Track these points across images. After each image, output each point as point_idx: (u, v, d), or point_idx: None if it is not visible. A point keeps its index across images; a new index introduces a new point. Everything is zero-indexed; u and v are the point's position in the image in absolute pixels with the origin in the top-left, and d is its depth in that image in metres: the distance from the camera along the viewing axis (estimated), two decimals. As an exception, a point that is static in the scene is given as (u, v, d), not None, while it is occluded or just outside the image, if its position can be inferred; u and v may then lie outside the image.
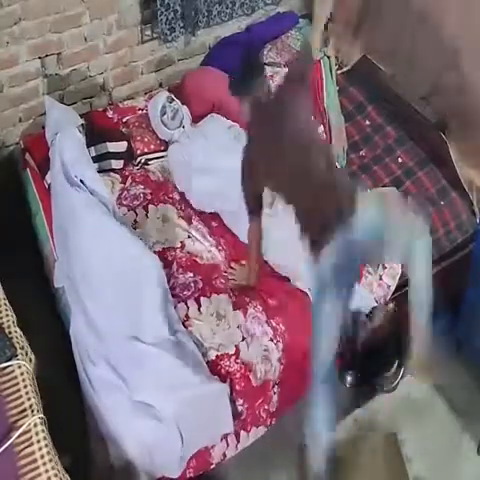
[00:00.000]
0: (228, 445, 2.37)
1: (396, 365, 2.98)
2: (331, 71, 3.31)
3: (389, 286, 2.69)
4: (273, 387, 2.45)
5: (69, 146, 2.70)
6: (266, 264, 2.65)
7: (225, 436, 2.34)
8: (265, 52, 3.50)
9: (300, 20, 3.70)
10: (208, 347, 2.38)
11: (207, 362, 2.33)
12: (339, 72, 3.36)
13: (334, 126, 3.17)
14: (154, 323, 2.33)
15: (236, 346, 2.40)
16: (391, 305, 2.50)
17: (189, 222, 2.81)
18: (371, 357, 2.96)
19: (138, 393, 2.19)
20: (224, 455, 2.38)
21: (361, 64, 3.26)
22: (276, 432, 2.61)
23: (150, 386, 2.20)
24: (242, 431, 2.39)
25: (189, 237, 2.74)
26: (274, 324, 2.48)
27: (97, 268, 2.43)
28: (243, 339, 2.42)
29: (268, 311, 2.51)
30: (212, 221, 2.85)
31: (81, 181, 2.61)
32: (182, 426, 2.18)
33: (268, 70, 3.37)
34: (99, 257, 2.45)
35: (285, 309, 2.53)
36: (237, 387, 2.33)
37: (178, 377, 2.22)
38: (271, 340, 2.44)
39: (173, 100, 3.11)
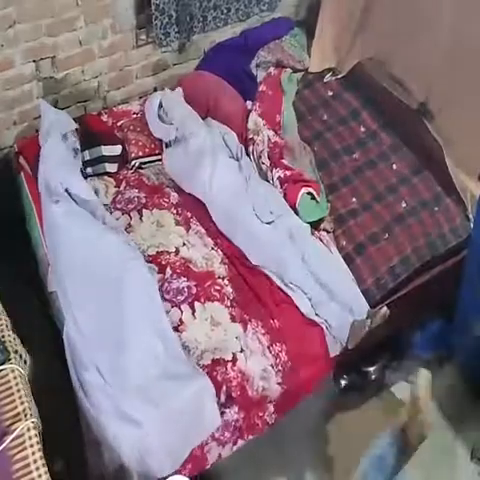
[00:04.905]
0: (224, 447, 2.34)
1: (389, 371, 2.99)
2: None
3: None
4: (271, 402, 2.41)
5: (52, 157, 2.74)
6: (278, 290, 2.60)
7: (222, 442, 2.31)
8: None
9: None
10: (203, 350, 2.36)
11: (202, 366, 2.32)
12: (334, 78, 3.38)
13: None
14: (142, 331, 2.32)
15: (234, 354, 2.37)
16: (385, 309, 2.50)
17: (186, 227, 2.78)
18: (365, 362, 2.97)
19: (124, 402, 2.17)
20: (219, 456, 2.35)
21: (356, 70, 3.27)
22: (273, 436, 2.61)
23: (135, 396, 2.19)
24: (239, 440, 2.36)
25: (184, 244, 2.72)
26: (276, 351, 2.41)
27: (83, 275, 2.44)
28: (242, 350, 2.38)
29: (271, 334, 2.44)
30: (209, 223, 2.83)
31: (66, 190, 2.63)
32: (167, 435, 2.17)
33: (259, 75, 3.42)
34: (84, 265, 2.46)
35: (289, 336, 2.45)
36: (233, 394, 2.30)
37: (162, 388, 2.21)
38: (272, 366, 2.38)
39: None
